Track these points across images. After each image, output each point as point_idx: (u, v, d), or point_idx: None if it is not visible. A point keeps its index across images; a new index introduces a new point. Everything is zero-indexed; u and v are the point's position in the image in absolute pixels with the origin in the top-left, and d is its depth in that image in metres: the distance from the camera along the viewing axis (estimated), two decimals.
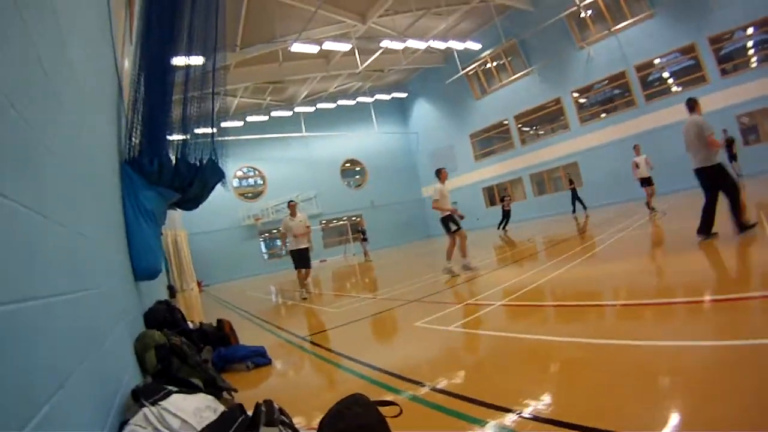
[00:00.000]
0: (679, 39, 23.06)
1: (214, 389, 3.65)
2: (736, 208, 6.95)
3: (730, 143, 18.85)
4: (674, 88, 24.24)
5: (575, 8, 24.78)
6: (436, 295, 7.98)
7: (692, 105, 8.06)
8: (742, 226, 6.88)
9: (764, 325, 3.50)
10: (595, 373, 3.24)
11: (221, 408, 2.50)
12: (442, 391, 3.42)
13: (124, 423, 2.18)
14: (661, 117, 23.70)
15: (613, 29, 25.04)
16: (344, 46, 24.19)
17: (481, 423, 2.74)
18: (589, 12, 25.89)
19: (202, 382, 3.50)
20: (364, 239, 23.94)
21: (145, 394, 2.37)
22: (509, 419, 2.72)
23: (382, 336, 6.38)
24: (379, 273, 15.92)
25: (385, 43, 24.48)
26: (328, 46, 23.05)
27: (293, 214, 11.10)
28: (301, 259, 11.24)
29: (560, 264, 8.45)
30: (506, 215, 21.80)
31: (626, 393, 2.77)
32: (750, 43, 22.18)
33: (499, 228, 21.78)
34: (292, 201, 11.54)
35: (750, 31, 21.73)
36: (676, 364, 3.04)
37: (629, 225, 12.70)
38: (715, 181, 7.26)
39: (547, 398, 2.95)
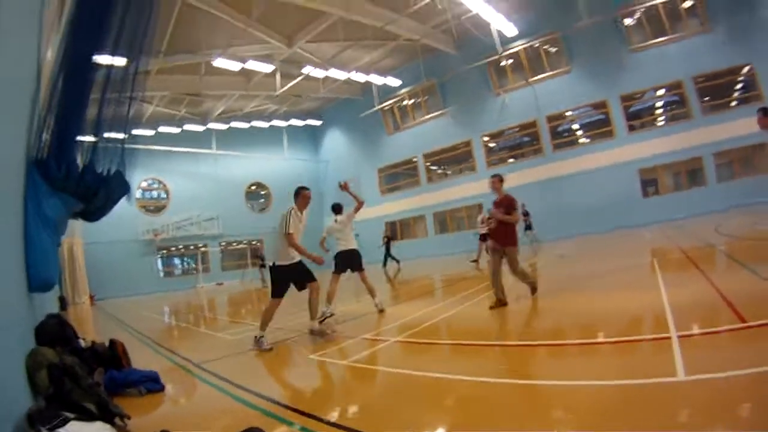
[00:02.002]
0: (593, 94, 25.13)
1: (107, 414, 3.37)
2: None
3: (525, 215, 21.12)
4: (582, 140, 26.32)
5: (497, 57, 26.04)
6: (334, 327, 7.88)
7: None
8: None
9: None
10: (484, 410, 3.36)
11: None
12: (335, 425, 3.40)
13: None
14: (567, 166, 25.44)
15: (530, 80, 26.72)
16: (267, 67, 24.03)
17: None
18: (510, 61, 27.46)
19: (94, 406, 3.23)
20: (263, 265, 23.06)
21: (42, 420, 2.15)
22: None
23: (276, 367, 6.18)
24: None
25: (308, 69, 24.70)
26: (251, 65, 22.81)
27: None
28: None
29: (456, 303, 8.75)
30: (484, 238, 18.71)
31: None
32: (659, 103, 24.77)
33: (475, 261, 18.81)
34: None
35: (660, 92, 24.24)
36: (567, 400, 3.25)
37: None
38: None
39: None
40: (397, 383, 4.48)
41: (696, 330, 4.58)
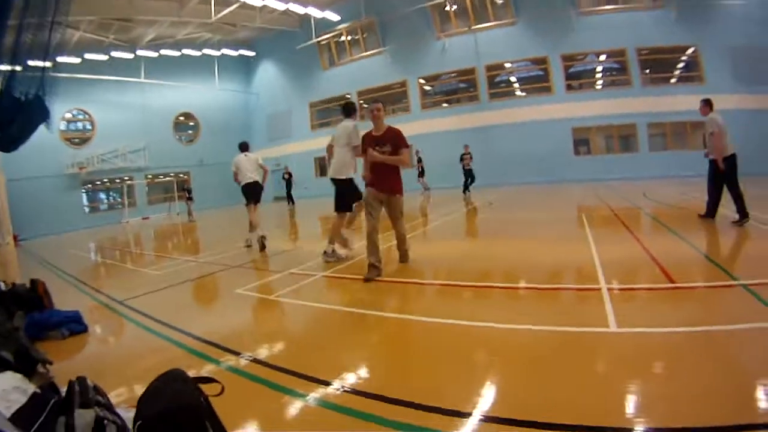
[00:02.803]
0: (535, 50, 25.34)
1: (28, 361, 3.32)
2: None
3: (418, 161, 23.30)
4: (518, 93, 26.71)
5: (443, 0, 25.70)
6: (260, 261, 8.15)
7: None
8: None
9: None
10: (410, 349, 3.59)
11: (31, 388, 2.18)
12: (263, 363, 3.46)
13: None
14: (501, 115, 25.82)
15: (473, 27, 26.51)
16: None
17: (303, 396, 2.82)
18: (454, 7, 27.09)
19: (12, 355, 3.15)
20: (189, 198, 23.59)
21: None
22: (329, 391, 2.86)
23: (201, 302, 6.29)
24: (203, 235, 15.72)
25: None
26: None
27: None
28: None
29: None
30: (468, 174, 20.68)
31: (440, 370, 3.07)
32: (600, 68, 25.28)
33: (464, 192, 20.43)
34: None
35: (603, 57, 24.76)
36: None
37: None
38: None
39: (363, 372, 3.18)
40: (323, 318, 4.62)
41: (626, 285, 4.82)
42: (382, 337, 3.95)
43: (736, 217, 7.84)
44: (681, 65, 23.69)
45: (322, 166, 33.99)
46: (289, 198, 26.01)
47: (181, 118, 35.89)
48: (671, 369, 2.83)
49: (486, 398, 2.62)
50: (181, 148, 35.56)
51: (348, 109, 7.50)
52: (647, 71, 23.70)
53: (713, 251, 6.42)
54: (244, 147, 10.10)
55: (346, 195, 7.30)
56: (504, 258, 6.83)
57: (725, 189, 8.22)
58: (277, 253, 8.83)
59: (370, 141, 6.28)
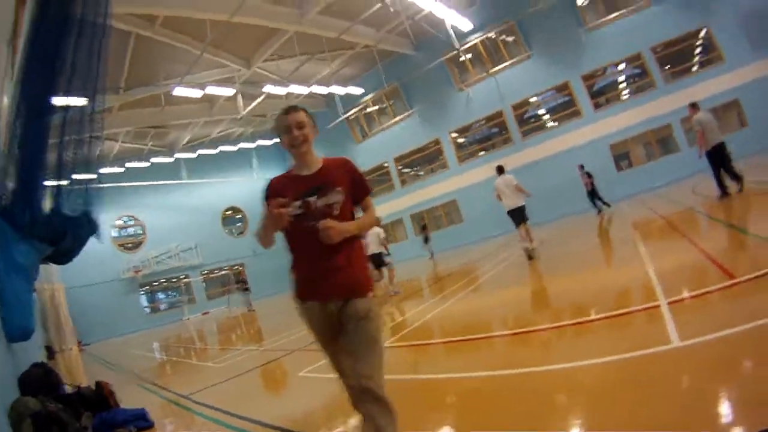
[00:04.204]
0: (555, 78, 25.39)
1: None
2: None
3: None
4: (549, 124, 26.55)
5: (455, 53, 26.18)
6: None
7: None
8: None
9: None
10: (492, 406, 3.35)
11: None
12: None
13: None
14: (538, 151, 25.71)
15: (491, 71, 26.94)
16: (228, 91, 23.93)
17: None
18: (469, 55, 27.58)
19: None
20: (246, 289, 23.54)
21: None
22: None
23: (267, 389, 6.27)
24: (263, 323, 15.80)
25: (268, 88, 24.50)
26: (212, 90, 22.63)
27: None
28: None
29: (443, 299, 8.78)
30: (591, 196, 18.99)
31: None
32: (621, 78, 25.02)
33: (598, 211, 18.70)
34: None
35: (621, 66, 24.57)
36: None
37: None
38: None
39: None
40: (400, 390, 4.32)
41: (685, 294, 4.55)
42: (455, 399, 3.77)
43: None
44: (698, 50, 23.23)
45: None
46: None
47: (229, 212, 37.06)
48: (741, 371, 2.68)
49: None
50: (232, 241, 36.32)
51: None
52: (667, 67, 23.35)
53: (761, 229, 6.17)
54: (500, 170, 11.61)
55: None
56: (561, 294, 6.62)
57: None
58: None
59: (292, 190, 2.65)
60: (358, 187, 2.62)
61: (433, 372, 4.64)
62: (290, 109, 2.63)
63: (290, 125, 2.57)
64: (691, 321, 3.70)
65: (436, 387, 4.16)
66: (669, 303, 4.27)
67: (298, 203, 2.40)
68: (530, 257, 10.53)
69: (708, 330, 3.25)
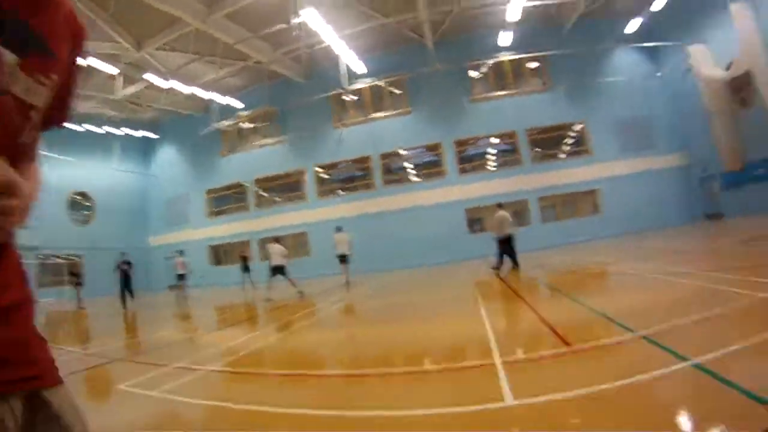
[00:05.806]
0: (429, 137, 27.76)
1: None
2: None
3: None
4: (413, 178, 28.71)
5: (341, 92, 27.57)
6: (148, 354, 7.54)
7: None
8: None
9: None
10: None
11: None
12: None
13: None
14: (397, 201, 27.51)
15: (370, 116, 28.91)
16: (111, 69, 23.14)
17: None
18: (354, 97, 29.32)
19: None
20: (78, 283, 21.74)
21: None
22: None
23: (79, 399, 4.52)
24: (91, 324, 14.83)
25: (150, 77, 24.36)
26: (95, 63, 21.71)
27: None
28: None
29: (269, 332, 8.90)
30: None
31: None
32: (492, 150, 27.87)
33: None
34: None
35: (494, 140, 27.46)
36: None
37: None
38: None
39: None
40: (214, 417, 4.13)
41: (521, 355, 4.77)
42: None
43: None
44: (570, 141, 26.60)
45: (216, 256, 33.72)
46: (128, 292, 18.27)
47: (77, 196, 33.69)
48: None
49: None
50: (74, 229, 32.96)
51: None
52: (537, 149, 26.41)
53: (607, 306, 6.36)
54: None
55: None
56: (392, 343, 6.51)
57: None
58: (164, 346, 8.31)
59: None
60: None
61: (249, 403, 4.34)
62: None
63: None
64: (526, 381, 3.86)
65: (250, 419, 3.89)
66: (504, 362, 4.33)
67: None
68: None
69: (541, 392, 3.40)
